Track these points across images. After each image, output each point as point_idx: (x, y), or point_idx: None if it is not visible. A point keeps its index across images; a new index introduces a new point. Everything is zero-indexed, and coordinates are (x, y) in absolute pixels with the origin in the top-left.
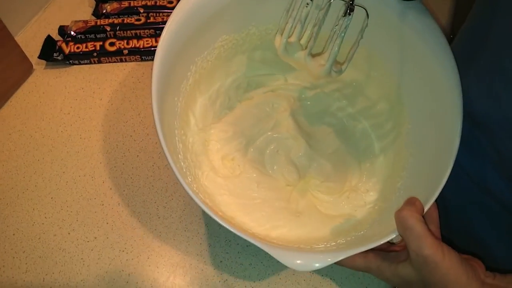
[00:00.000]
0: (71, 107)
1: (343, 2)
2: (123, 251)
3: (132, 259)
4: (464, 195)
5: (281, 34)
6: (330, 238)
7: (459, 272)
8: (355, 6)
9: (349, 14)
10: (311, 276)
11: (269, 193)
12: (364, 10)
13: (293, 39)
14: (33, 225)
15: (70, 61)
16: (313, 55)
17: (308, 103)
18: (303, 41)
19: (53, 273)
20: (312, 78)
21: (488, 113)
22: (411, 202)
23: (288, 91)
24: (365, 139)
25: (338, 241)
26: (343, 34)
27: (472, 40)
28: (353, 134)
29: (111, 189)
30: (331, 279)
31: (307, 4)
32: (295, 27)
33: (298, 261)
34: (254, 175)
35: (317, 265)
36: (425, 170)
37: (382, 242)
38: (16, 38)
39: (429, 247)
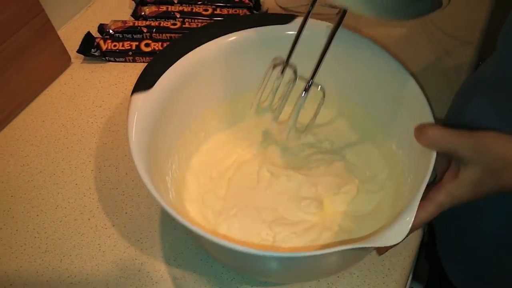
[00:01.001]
0: (103, 101)
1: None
2: (138, 240)
3: (146, 249)
4: None
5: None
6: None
7: (505, 136)
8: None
9: (305, 93)
10: None
11: (310, 235)
12: (322, 92)
13: (265, 104)
14: (56, 208)
15: (106, 57)
16: (279, 122)
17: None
18: (274, 107)
19: (70, 255)
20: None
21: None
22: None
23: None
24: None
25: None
26: (298, 109)
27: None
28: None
29: (133, 181)
30: None
31: (277, 77)
32: (268, 94)
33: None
34: (287, 232)
35: (408, 229)
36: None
37: (430, 173)
38: (59, 32)
39: (468, 136)
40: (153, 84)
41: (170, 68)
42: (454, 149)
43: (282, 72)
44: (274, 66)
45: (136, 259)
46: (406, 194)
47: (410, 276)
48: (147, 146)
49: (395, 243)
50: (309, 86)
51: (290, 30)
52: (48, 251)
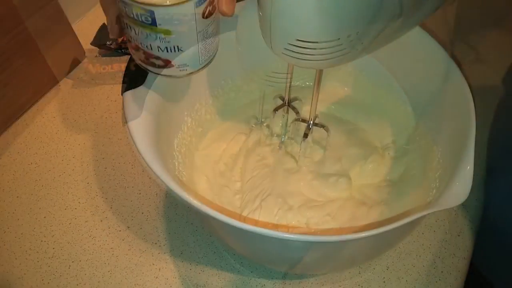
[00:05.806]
0: (118, 95)
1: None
2: (155, 243)
3: (165, 253)
4: None
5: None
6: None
7: None
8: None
9: (305, 138)
10: None
11: (345, 214)
12: (325, 131)
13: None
14: (65, 209)
15: (123, 50)
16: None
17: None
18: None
19: (80, 260)
20: None
21: None
22: None
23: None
24: None
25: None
26: (303, 150)
27: None
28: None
29: (150, 178)
30: None
31: (283, 115)
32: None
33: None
34: (320, 215)
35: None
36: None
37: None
38: (73, 26)
39: None
40: (144, 79)
41: None
42: None
43: (287, 111)
44: (276, 110)
45: (153, 264)
46: (439, 153)
47: None
48: (154, 148)
49: (465, 198)
50: (309, 130)
51: None
52: (55, 256)
